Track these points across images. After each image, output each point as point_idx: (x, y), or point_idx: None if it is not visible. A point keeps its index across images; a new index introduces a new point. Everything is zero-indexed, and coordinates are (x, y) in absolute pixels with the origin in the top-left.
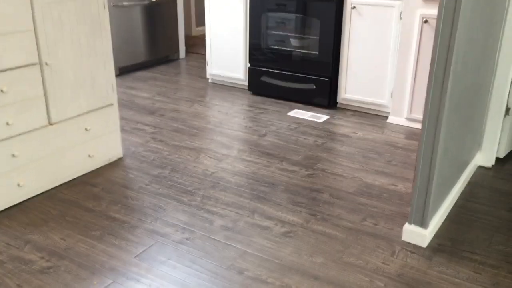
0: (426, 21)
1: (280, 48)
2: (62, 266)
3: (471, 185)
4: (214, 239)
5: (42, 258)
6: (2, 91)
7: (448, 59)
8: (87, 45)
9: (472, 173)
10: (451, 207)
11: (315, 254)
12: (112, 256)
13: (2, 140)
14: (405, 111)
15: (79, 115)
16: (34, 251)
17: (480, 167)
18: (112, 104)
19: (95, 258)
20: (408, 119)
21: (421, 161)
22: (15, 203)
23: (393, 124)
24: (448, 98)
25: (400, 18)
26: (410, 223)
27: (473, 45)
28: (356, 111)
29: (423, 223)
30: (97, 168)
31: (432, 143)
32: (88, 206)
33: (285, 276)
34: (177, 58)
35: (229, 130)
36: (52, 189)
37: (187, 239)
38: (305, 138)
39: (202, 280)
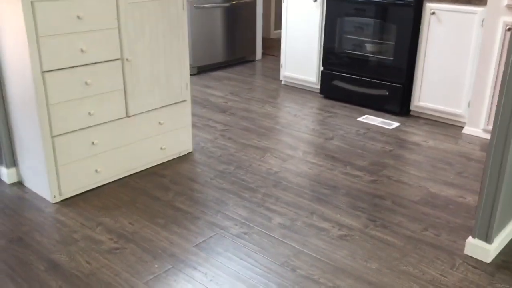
0: (509, 29)
1: (354, 52)
2: (128, 248)
3: None
4: (271, 235)
5: (111, 239)
6: (86, 83)
7: None
8: (165, 44)
9: None
10: None
11: (371, 259)
12: (174, 243)
13: (84, 128)
14: (482, 122)
15: (154, 109)
16: (104, 233)
17: None
18: (185, 101)
19: (158, 244)
20: (485, 130)
21: (488, 173)
22: (92, 188)
23: (469, 135)
24: None
25: (482, 25)
26: (474, 237)
27: None
28: (429, 119)
29: (487, 238)
30: (168, 161)
31: (501, 154)
32: (156, 195)
33: (337, 278)
34: (254, 60)
35: (297, 132)
36: (126, 177)
37: (245, 233)
38: (372, 144)
39: (255, 274)
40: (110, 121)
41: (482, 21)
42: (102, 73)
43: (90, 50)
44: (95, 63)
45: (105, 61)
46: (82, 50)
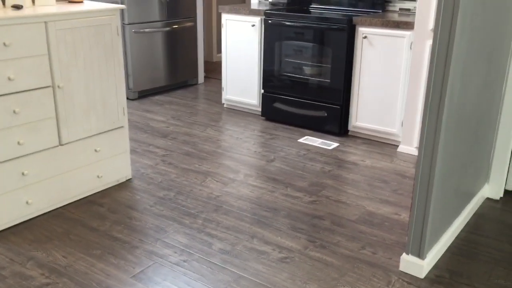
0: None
1: (293, 75)
2: (60, 283)
3: (477, 216)
4: (211, 262)
5: (43, 274)
6: (14, 112)
7: (443, 88)
8: (99, 70)
9: (479, 205)
10: (453, 238)
11: (310, 280)
12: (110, 275)
13: (13, 159)
14: (415, 141)
15: (89, 137)
16: (35, 268)
17: (488, 199)
18: (122, 127)
19: (93, 277)
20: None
21: (417, 190)
22: (23, 220)
23: (403, 153)
24: (444, 127)
25: (411, 48)
26: (407, 253)
27: (473, 75)
28: (366, 139)
29: (420, 254)
30: (106, 189)
31: (429, 172)
32: (92, 225)
33: None
34: (196, 83)
35: (238, 155)
36: (60, 207)
37: (184, 261)
38: (312, 165)
39: None
40: (42, 150)
41: (411, 44)
42: (32, 101)
43: (18, 78)
44: (24, 91)
45: (35, 89)
46: (9, 78)
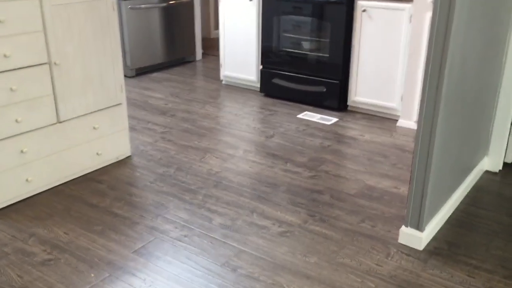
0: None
1: (291, 50)
2: (62, 259)
3: (476, 189)
4: (212, 237)
5: (44, 250)
6: (11, 89)
7: (442, 60)
8: (96, 46)
9: (478, 178)
10: (452, 211)
11: (309, 254)
12: (111, 250)
13: (11, 136)
14: (415, 115)
15: (87, 114)
16: (37, 244)
17: (487, 172)
18: (120, 104)
19: (94, 252)
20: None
21: (416, 163)
22: (23, 198)
23: (403, 127)
24: (443, 99)
25: (410, 21)
26: (406, 225)
27: (473, 47)
28: (366, 114)
29: (419, 226)
30: (105, 166)
31: (428, 145)
32: (92, 202)
33: (277, 275)
34: (194, 60)
35: (237, 131)
36: (59, 185)
37: (185, 236)
38: (311, 140)
39: (196, 276)
40: (40, 127)
41: (410, 17)
42: (28, 78)
43: (15, 55)
44: (21, 68)
45: (31, 66)
46: (5, 55)
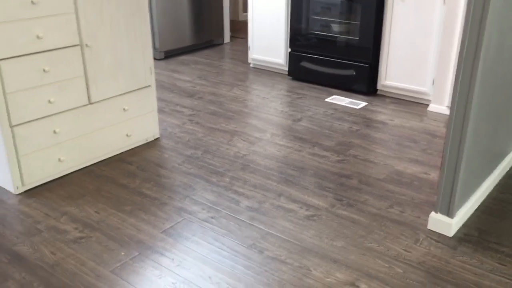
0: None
1: (320, 33)
2: (94, 237)
3: (509, 176)
4: (239, 218)
5: (76, 228)
6: (44, 70)
7: (478, 44)
8: (126, 28)
9: (511, 165)
10: (483, 198)
11: (337, 238)
12: (141, 230)
13: (45, 117)
14: (446, 99)
15: (117, 96)
16: (69, 222)
17: None
18: (149, 86)
19: (124, 231)
20: (450, 107)
21: (448, 149)
22: (56, 177)
23: (434, 112)
24: (478, 84)
25: (444, 2)
26: (436, 211)
27: (510, 30)
28: (395, 98)
29: (449, 212)
30: (134, 147)
31: (460, 130)
32: (122, 183)
33: (303, 258)
34: (222, 43)
35: (265, 114)
36: (91, 165)
37: (212, 217)
38: (340, 124)
39: (223, 257)
40: (72, 108)
41: None
42: (60, 60)
43: (47, 36)
44: (53, 49)
45: (63, 47)
46: (38, 37)
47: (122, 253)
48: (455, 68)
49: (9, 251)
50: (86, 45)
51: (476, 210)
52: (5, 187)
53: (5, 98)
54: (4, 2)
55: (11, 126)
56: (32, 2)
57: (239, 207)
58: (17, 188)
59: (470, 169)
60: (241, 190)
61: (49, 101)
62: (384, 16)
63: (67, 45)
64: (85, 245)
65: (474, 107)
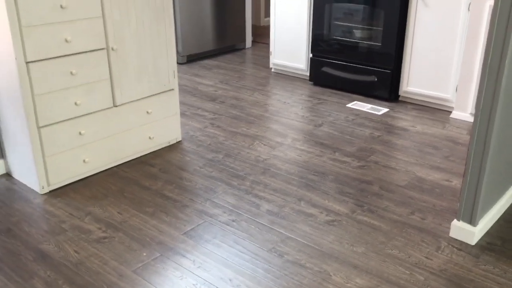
0: None
1: (342, 39)
2: (116, 237)
3: None
4: (259, 222)
5: (100, 228)
6: (71, 73)
7: (503, 51)
8: (151, 32)
9: None
10: (507, 206)
11: (357, 243)
12: (162, 231)
13: (71, 119)
14: (469, 106)
15: (141, 99)
16: (93, 222)
17: None
18: (173, 89)
19: (146, 232)
20: (473, 114)
21: (472, 156)
22: (80, 178)
23: (457, 119)
24: (502, 91)
25: (469, 9)
26: (458, 219)
27: None
28: (418, 104)
29: (472, 220)
30: (157, 150)
31: (484, 137)
32: (145, 184)
33: (323, 263)
34: (244, 48)
35: (286, 119)
36: (114, 166)
37: (233, 220)
38: (361, 130)
39: (243, 260)
40: (97, 111)
41: (469, 5)
42: (87, 62)
43: (75, 40)
44: (80, 52)
45: (90, 51)
46: (66, 40)
47: (144, 254)
48: (479, 75)
49: (35, 249)
50: (112, 48)
51: (500, 218)
52: (32, 187)
53: (33, 99)
54: (35, 6)
55: (38, 127)
56: (62, 7)
57: (260, 210)
58: (43, 188)
59: (494, 177)
60: (261, 194)
61: (76, 103)
62: (407, 21)
63: (94, 49)
64: (108, 245)
65: (499, 115)
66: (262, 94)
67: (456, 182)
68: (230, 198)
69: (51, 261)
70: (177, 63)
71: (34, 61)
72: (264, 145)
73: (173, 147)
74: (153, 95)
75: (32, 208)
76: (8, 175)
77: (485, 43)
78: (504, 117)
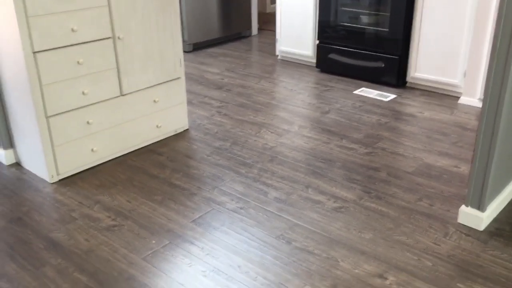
0: None
1: (349, 25)
2: (126, 225)
3: None
4: (267, 209)
5: (109, 217)
6: (78, 62)
7: None
8: (157, 21)
9: None
10: None
11: (365, 230)
12: (171, 219)
13: (79, 108)
14: (478, 92)
15: (148, 87)
16: (102, 211)
17: None
18: (179, 78)
19: (155, 220)
20: (481, 100)
21: (480, 142)
22: (89, 167)
23: (465, 104)
24: (511, 76)
25: None
26: (467, 205)
27: None
28: (425, 90)
29: (480, 206)
30: (164, 138)
31: (493, 123)
32: (153, 173)
33: (331, 249)
34: (250, 35)
35: (292, 107)
36: (122, 155)
37: (241, 208)
38: (368, 117)
39: (251, 247)
40: (105, 100)
41: None
42: (94, 52)
43: (81, 29)
44: (87, 42)
45: (96, 40)
46: (73, 30)
47: (153, 242)
48: (488, 60)
49: (46, 238)
50: (118, 37)
51: (508, 204)
52: (41, 176)
53: (41, 89)
54: None
55: (47, 117)
56: None
57: (267, 198)
58: (52, 177)
59: (502, 162)
60: (269, 181)
61: (83, 93)
62: (415, 6)
63: (100, 38)
64: (117, 233)
65: (507, 100)
66: (269, 82)
67: (464, 168)
68: (238, 186)
69: (62, 249)
70: (183, 51)
71: (41, 51)
72: (271, 132)
73: (180, 136)
74: (160, 83)
75: (42, 197)
76: (17, 164)
77: (494, 27)
78: None
